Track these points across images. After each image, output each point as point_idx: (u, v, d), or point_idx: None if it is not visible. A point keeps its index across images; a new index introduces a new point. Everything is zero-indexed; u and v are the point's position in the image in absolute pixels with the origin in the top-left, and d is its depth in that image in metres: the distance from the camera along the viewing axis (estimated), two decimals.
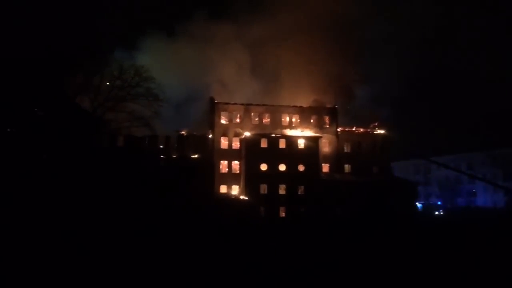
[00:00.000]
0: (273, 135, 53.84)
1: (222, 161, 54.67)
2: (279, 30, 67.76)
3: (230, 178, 54.28)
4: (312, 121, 57.63)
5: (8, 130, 38.00)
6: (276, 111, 56.86)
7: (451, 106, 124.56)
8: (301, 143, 54.14)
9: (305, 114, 57.53)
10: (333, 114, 58.51)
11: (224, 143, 55.31)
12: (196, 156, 51.67)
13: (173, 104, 47.49)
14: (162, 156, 50.01)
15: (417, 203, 60.74)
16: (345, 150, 58.29)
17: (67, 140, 38.92)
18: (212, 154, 53.70)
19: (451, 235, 35.38)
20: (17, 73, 36.52)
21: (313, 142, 54.37)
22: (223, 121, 55.74)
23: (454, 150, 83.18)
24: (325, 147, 56.75)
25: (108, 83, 43.84)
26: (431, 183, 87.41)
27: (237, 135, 55.17)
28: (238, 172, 54.61)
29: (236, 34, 66.82)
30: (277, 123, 56.53)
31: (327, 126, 58.00)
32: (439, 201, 79.47)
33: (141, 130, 47.10)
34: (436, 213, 66.43)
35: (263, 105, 57.09)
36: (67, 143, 38.92)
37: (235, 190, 53.97)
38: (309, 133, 55.87)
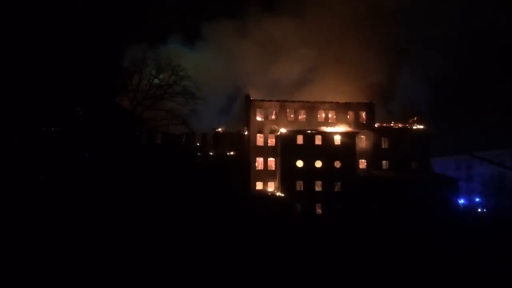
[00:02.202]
0: (309, 131, 53.41)
1: (258, 158, 54.79)
2: (319, 24, 65.66)
3: (266, 175, 54.35)
4: (348, 117, 56.78)
5: (52, 129, 39.50)
6: (311, 107, 56.36)
7: (495, 99, 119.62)
8: (337, 139, 53.47)
9: (341, 110, 56.73)
10: (370, 110, 57.41)
11: (259, 140, 55.38)
12: (232, 153, 52.03)
13: (209, 102, 47.73)
14: (198, 153, 50.62)
15: (458, 200, 58.83)
16: (383, 146, 56.97)
17: (108, 139, 40.06)
18: (248, 151, 53.87)
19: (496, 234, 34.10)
20: (59, 74, 37.85)
21: (349, 138, 53.59)
22: (258, 118, 55.79)
23: (498, 145, 79.86)
24: (362, 143, 55.74)
25: (146, 82, 44.80)
26: (473, 179, 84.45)
27: (272, 131, 55.11)
28: (274, 169, 54.62)
29: (275, 28, 65.63)
30: (313, 119, 56.00)
31: (364, 122, 57.00)
32: (480, 198, 76.69)
33: (178, 128, 47.83)
34: (479, 210, 64.21)
35: (299, 101, 56.71)
36: (108, 141, 40.05)
37: (271, 187, 54.00)
38: (346, 129, 55.11)
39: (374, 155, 56.04)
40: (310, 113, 56.21)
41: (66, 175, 36.64)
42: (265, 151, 54.98)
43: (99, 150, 39.99)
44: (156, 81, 45.06)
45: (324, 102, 56.72)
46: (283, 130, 53.45)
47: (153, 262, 21.82)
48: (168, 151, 47.64)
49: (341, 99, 57.25)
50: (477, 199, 76.25)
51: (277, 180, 53.48)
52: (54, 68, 37.08)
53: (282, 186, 51.48)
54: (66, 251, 23.84)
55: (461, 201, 63.92)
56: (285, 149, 52.40)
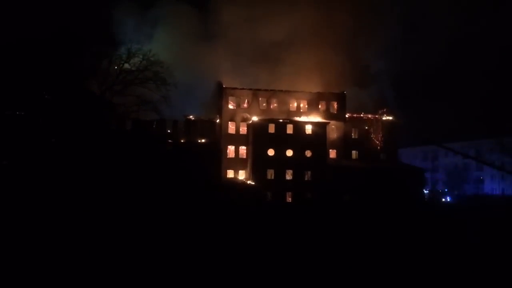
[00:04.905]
0: (281, 120, 53.63)
1: (229, 146, 54.72)
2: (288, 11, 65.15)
3: (237, 163, 54.38)
4: (320, 106, 57.27)
5: (17, 113, 38.21)
6: (284, 96, 56.49)
7: (460, 92, 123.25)
8: (308, 129, 53.92)
9: (313, 100, 57.13)
10: (341, 100, 58.04)
11: (231, 128, 55.24)
12: (203, 140, 51.72)
13: (181, 88, 46.99)
14: (169, 141, 50.09)
15: (424, 189, 60.59)
16: (353, 136, 58.02)
17: (75, 124, 39.07)
18: (220, 139, 53.72)
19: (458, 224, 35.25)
20: (24, 57, 36.56)
21: (320, 128, 54.14)
22: (230, 106, 55.57)
23: (462, 137, 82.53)
24: (333, 133, 56.43)
25: (116, 67, 43.72)
26: (438, 170, 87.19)
27: (244, 120, 55.03)
28: (245, 157, 54.68)
29: (244, 14, 64.65)
30: (284, 108, 56.23)
31: (335, 112, 57.62)
32: (446, 188, 79.30)
33: (149, 114, 47.07)
34: (443, 200, 66.31)
35: (271, 90, 56.67)
36: (76, 126, 39.07)
37: (242, 175, 54.10)
38: (317, 118, 55.59)
39: (344, 145, 56.95)
40: (282, 102, 56.38)
41: (31, 161, 35.61)
42: (237, 139, 54.93)
43: (66, 135, 38.96)
44: (126, 66, 44.05)
45: (296, 92, 56.92)
46: (255, 119, 53.46)
47: (117, 251, 21.51)
48: (138, 137, 46.90)
49: (313, 89, 57.61)
50: (440, 190, 78.83)
51: (248, 168, 53.61)
52: (19, 51, 35.78)
53: (253, 175, 51.66)
54: (29, 238, 23.26)
55: (426, 191, 65.87)
56: (257, 137, 52.49)
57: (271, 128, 52.97)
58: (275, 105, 56.38)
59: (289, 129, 53.35)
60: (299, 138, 52.87)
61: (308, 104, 56.98)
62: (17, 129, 36.02)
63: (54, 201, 32.78)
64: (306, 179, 52.17)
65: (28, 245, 21.60)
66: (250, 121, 53.91)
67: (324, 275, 18.28)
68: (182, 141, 50.66)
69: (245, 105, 55.79)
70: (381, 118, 59.14)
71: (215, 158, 49.73)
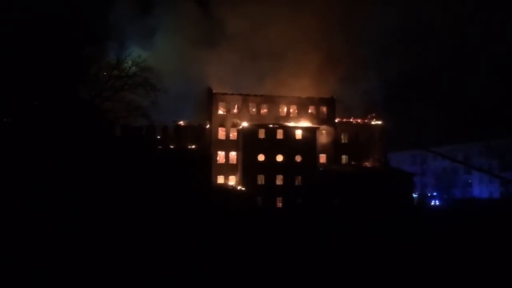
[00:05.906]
0: (271, 125, 53.75)
1: (219, 152, 54.68)
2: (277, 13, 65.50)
3: (227, 169, 54.32)
4: (310, 111, 57.54)
5: (4, 120, 37.83)
6: (273, 102, 56.71)
7: (447, 97, 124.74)
8: (298, 134, 54.09)
9: (302, 105, 57.37)
10: (331, 105, 58.39)
11: (221, 133, 55.25)
12: (193, 146, 51.63)
13: (171, 94, 46.89)
14: (159, 146, 49.88)
15: (413, 193, 60.98)
16: (343, 141, 58.37)
17: (64, 130, 38.76)
18: (210, 144, 53.64)
19: (448, 227, 35.56)
20: (12, 62, 36.26)
21: (310, 132, 54.34)
22: (220, 112, 55.59)
23: (451, 141, 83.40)
24: (323, 137, 56.66)
25: (105, 73, 43.55)
26: (427, 174, 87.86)
27: (234, 125, 55.09)
28: (235, 162, 54.67)
29: (232, 18, 64.66)
30: (274, 113, 56.40)
31: (325, 117, 57.93)
32: (435, 191, 79.87)
33: (138, 120, 46.91)
34: (432, 203, 66.82)
35: (261, 95, 56.89)
36: (64, 132, 38.76)
37: (232, 180, 54.04)
38: (307, 123, 55.81)
39: (334, 150, 57.21)
40: (272, 107, 56.59)
41: (19, 167, 35.23)
42: (227, 145, 54.95)
43: (54, 142, 38.63)
44: (115, 72, 43.90)
45: (286, 97, 57.15)
46: (245, 124, 53.51)
47: (107, 257, 21.38)
48: (127, 143, 46.62)
49: (303, 94, 57.85)
50: (429, 193, 79.40)
51: (238, 174, 53.57)
52: (7, 56, 35.49)
53: (243, 180, 51.62)
54: (21, 244, 23.03)
55: (415, 195, 66.32)
56: (247, 143, 52.52)
57: (261, 134, 53.07)
58: (265, 110, 56.60)
59: (279, 134, 53.49)
60: (289, 143, 53.02)
61: (298, 109, 57.21)
62: (4, 137, 35.65)
63: (43, 208, 32.45)
64: (296, 184, 52.28)
65: (25, 248, 21.40)
66: (240, 127, 53.94)
67: (312, 278, 18.35)
68: (172, 147, 50.51)
69: (235, 110, 55.87)
70: (370, 123, 59.61)
71: (205, 164, 49.58)
